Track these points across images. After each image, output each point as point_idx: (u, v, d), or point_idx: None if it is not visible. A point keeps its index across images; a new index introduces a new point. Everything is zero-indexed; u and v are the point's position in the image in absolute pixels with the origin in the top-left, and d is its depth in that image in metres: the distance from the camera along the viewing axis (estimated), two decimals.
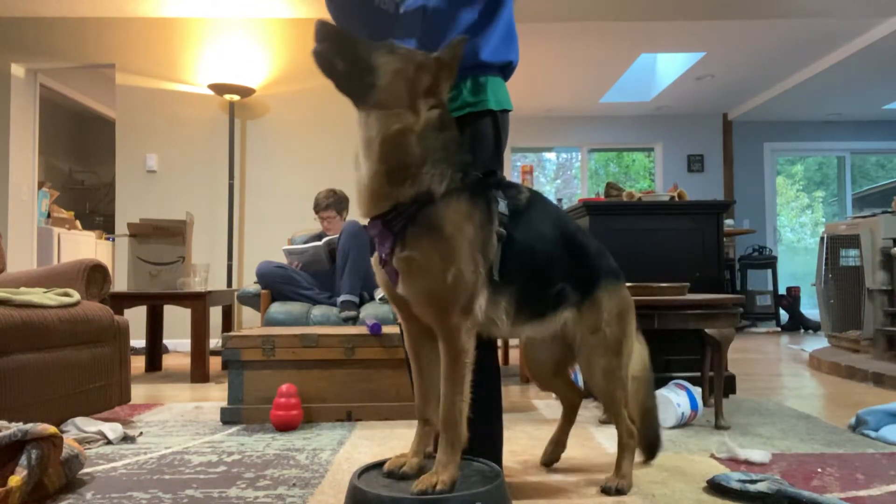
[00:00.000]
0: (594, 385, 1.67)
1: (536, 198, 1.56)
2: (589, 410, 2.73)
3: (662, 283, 2.57)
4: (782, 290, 7.32)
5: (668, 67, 6.89)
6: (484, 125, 1.59)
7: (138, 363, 4.15)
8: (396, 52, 1.33)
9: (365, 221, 1.40)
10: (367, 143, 1.33)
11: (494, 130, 1.62)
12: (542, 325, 1.57)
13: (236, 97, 4.97)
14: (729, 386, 3.03)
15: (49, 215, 6.22)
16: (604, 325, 1.61)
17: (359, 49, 1.30)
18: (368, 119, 1.32)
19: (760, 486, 1.61)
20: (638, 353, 1.80)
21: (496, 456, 1.59)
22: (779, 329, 7.11)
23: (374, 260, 1.45)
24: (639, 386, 1.81)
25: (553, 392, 2.02)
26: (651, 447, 1.91)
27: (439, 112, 1.36)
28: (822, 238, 4.85)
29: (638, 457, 1.84)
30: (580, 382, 2.46)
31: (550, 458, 1.93)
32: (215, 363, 4.14)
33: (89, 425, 2.27)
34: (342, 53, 1.29)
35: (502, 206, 1.44)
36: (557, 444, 1.95)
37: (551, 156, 9.24)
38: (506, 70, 1.67)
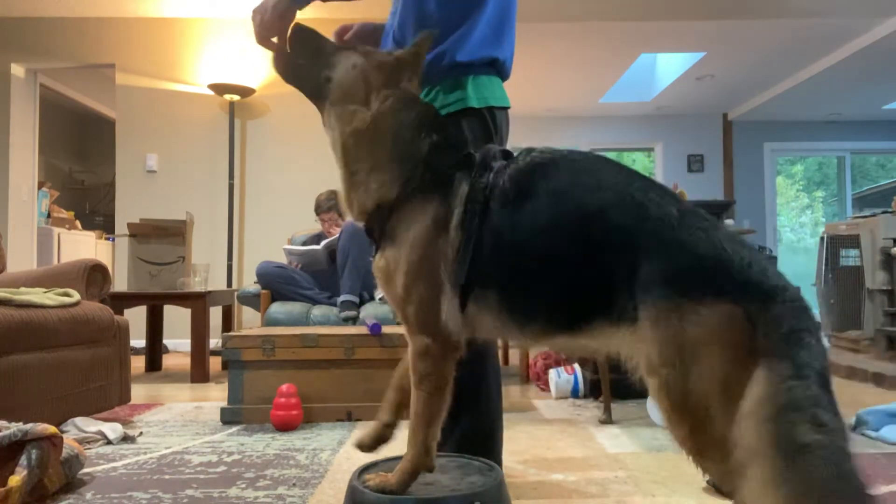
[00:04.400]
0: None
1: (550, 163, 1.11)
2: (589, 410, 2.73)
3: None
4: None
5: (668, 67, 6.89)
6: (469, 124, 1.49)
7: (138, 363, 4.15)
8: (358, 50, 1.29)
9: None
10: (332, 146, 1.27)
11: (483, 129, 1.50)
12: (571, 339, 1.07)
13: (236, 97, 4.97)
14: None
15: (49, 215, 6.22)
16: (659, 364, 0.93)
17: (323, 45, 1.29)
18: (330, 120, 1.27)
19: None
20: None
21: (496, 456, 1.59)
22: None
23: None
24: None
25: None
26: None
27: (392, 100, 1.22)
28: (822, 238, 4.85)
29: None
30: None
31: None
32: (215, 363, 4.14)
33: (89, 425, 2.27)
34: (305, 49, 1.28)
35: (467, 189, 1.14)
36: None
37: None
38: (496, 66, 1.56)
